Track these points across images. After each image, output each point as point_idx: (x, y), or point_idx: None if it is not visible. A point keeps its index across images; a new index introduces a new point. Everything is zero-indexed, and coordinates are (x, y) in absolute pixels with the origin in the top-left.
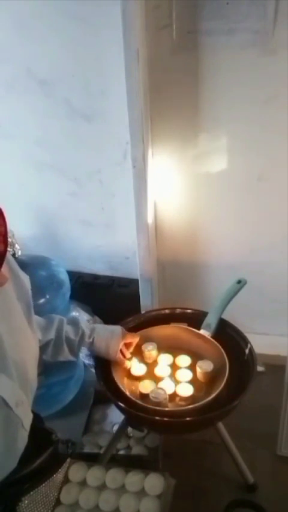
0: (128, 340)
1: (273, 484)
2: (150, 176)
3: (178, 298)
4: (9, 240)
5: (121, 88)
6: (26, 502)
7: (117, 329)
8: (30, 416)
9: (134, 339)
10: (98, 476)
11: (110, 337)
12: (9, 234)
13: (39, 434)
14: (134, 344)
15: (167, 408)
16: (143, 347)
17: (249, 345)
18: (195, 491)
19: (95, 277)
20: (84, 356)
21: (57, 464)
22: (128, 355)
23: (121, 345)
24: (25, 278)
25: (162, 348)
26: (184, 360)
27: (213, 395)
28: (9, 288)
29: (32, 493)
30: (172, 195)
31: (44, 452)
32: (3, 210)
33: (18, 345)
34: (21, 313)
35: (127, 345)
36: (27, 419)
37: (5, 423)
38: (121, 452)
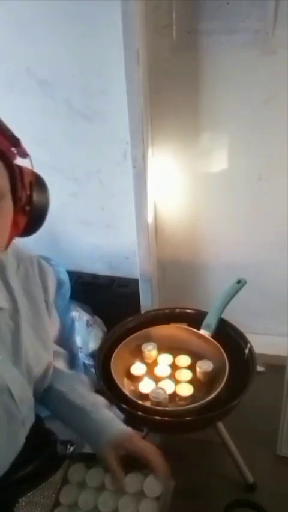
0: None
1: (273, 484)
2: (150, 176)
3: (178, 298)
4: None
5: (121, 88)
6: (24, 503)
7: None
8: (32, 418)
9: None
10: (97, 477)
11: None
12: None
13: (38, 434)
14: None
15: (167, 408)
16: (143, 347)
17: (249, 345)
18: (195, 491)
19: (95, 277)
20: (84, 356)
21: (56, 465)
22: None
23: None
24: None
25: (162, 348)
26: (184, 360)
27: (213, 395)
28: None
29: (29, 494)
30: (172, 195)
31: (42, 453)
32: None
33: (36, 342)
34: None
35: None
36: (28, 420)
37: (8, 417)
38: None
